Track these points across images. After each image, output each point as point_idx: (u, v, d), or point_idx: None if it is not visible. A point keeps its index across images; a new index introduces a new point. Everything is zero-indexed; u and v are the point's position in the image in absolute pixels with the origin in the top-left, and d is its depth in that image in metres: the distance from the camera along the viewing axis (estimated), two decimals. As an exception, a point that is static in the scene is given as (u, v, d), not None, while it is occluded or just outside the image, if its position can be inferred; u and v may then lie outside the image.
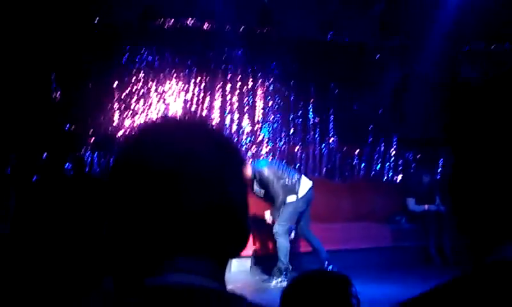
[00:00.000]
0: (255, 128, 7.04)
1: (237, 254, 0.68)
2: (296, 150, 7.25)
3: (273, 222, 5.04)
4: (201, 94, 6.79)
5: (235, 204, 0.67)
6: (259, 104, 7.12)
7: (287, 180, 5.00)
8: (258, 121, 7.06)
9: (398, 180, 7.51)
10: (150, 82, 6.52)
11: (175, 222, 0.63)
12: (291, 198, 4.99)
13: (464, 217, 0.64)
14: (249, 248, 5.71)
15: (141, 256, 0.63)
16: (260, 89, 7.10)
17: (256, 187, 5.02)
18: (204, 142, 0.67)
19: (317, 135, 7.32)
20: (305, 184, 5.13)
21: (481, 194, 0.61)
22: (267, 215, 5.09)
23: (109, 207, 0.67)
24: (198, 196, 0.64)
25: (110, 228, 0.66)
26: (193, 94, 6.75)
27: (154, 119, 0.72)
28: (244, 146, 6.94)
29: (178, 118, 0.70)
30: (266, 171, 5.02)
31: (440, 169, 7.62)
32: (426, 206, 6.33)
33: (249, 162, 5.11)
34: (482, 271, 0.61)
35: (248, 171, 4.93)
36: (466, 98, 0.65)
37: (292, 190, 5.01)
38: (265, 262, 5.44)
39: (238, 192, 0.68)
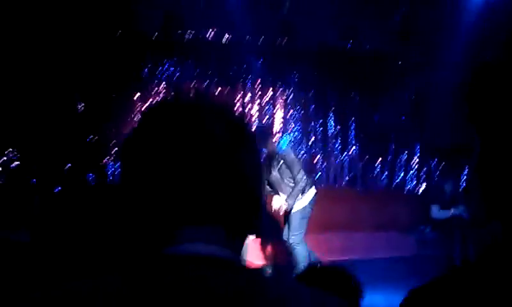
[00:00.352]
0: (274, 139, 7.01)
1: (250, 225, 0.68)
2: (316, 160, 7.21)
3: (286, 212, 4.95)
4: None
5: (247, 175, 0.67)
6: (279, 114, 7.12)
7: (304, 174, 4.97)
8: (278, 131, 7.06)
9: (421, 189, 7.41)
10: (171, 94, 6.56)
11: (188, 192, 0.63)
12: (298, 205, 4.95)
13: (492, 200, 0.64)
14: (263, 259, 5.69)
15: (156, 227, 0.64)
16: (280, 99, 7.10)
17: (274, 171, 4.94)
18: (216, 116, 0.68)
19: (338, 145, 7.28)
20: (313, 189, 5.11)
21: (507, 176, 0.61)
22: (277, 204, 4.96)
23: (123, 180, 0.67)
24: (210, 167, 0.64)
25: (125, 200, 0.66)
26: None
27: (167, 98, 0.73)
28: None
29: (190, 96, 0.71)
30: (292, 154, 4.97)
31: (464, 177, 7.48)
32: (452, 211, 6.25)
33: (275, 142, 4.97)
34: (498, 254, 0.61)
35: (271, 149, 4.87)
36: (489, 79, 0.65)
37: (305, 188, 4.96)
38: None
39: (250, 163, 0.68)
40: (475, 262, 0.62)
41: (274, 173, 4.93)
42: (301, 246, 4.97)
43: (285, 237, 5.01)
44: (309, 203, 5.00)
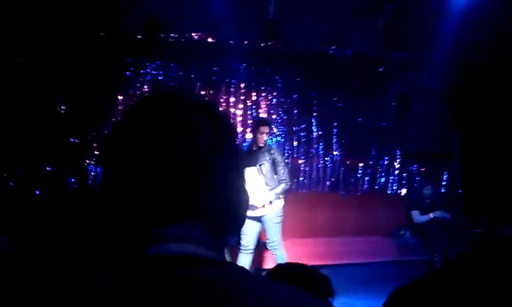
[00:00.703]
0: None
1: (234, 226, 0.67)
2: (299, 163, 7.23)
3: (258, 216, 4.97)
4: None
5: (229, 173, 0.66)
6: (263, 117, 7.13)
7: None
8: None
9: (402, 193, 7.48)
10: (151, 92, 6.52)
11: (168, 190, 0.62)
12: (276, 206, 4.96)
13: (473, 194, 0.64)
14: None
15: (137, 226, 0.63)
16: (263, 102, 7.11)
17: (263, 165, 5.00)
18: (197, 111, 0.67)
19: (320, 148, 7.31)
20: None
21: (489, 170, 0.61)
22: (261, 202, 4.94)
23: (103, 178, 0.66)
24: (190, 163, 0.63)
25: (105, 199, 0.65)
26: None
27: (147, 96, 0.72)
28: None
29: (172, 91, 0.71)
30: (280, 153, 5.22)
31: (444, 182, 7.58)
32: (431, 215, 6.32)
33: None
34: (485, 248, 0.61)
35: (264, 142, 5.04)
36: (472, 77, 0.66)
37: (287, 190, 5.15)
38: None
39: (231, 160, 0.68)
40: (462, 258, 0.63)
41: (263, 167, 4.98)
42: (283, 249, 4.99)
43: (274, 243, 5.01)
44: (282, 207, 5.07)
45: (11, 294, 0.58)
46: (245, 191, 0.69)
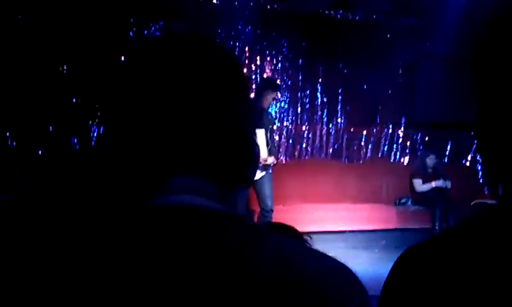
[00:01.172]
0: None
1: (241, 177, 0.63)
2: (303, 130, 7.20)
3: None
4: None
5: (241, 122, 0.62)
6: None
7: None
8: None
9: (405, 162, 7.47)
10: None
11: (176, 137, 0.58)
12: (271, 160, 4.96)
13: (492, 163, 0.62)
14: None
15: (141, 177, 0.59)
16: (268, 67, 7.02)
17: (271, 131, 5.03)
18: (214, 56, 0.63)
19: (324, 115, 7.26)
20: None
21: (507, 134, 0.59)
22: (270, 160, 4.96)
23: (107, 123, 0.63)
24: (201, 109, 0.59)
25: (109, 146, 0.62)
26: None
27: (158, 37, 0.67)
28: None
29: (183, 34, 0.65)
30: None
31: (447, 151, 7.56)
32: (433, 184, 6.32)
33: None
34: (494, 213, 0.60)
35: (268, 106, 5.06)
36: (489, 34, 0.62)
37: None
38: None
39: (244, 109, 0.63)
40: (474, 220, 0.61)
41: (269, 131, 4.97)
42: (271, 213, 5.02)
43: (264, 205, 5.00)
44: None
45: None
46: (257, 144, 0.66)
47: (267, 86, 5.03)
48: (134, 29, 6.36)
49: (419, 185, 6.44)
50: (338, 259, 0.59)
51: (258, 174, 4.92)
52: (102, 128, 6.06)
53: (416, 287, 0.60)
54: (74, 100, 5.95)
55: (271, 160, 4.91)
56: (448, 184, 6.39)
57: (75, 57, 5.93)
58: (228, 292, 0.51)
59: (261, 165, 4.78)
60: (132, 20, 6.32)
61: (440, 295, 0.57)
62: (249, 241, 0.56)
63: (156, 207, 0.58)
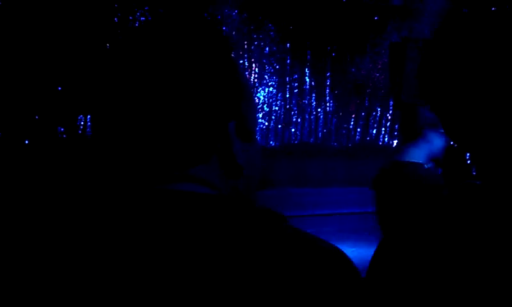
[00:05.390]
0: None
1: (234, 165, 0.61)
2: (292, 114, 7.19)
3: None
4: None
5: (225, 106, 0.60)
6: (255, 67, 7.02)
7: None
8: (254, 84, 6.97)
9: (394, 145, 7.51)
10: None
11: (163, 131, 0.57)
12: None
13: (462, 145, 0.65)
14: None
15: (133, 168, 0.58)
16: (255, 51, 6.98)
17: None
18: (196, 39, 0.60)
19: (313, 99, 7.25)
20: None
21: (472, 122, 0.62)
22: None
23: (96, 114, 0.61)
24: (186, 101, 0.57)
25: (100, 137, 0.60)
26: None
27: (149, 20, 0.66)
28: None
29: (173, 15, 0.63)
30: None
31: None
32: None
33: None
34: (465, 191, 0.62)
35: None
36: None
37: None
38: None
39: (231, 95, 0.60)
40: (452, 199, 0.63)
41: None
42: None
43: None
44: None
45: None
46: (254, 133, 0.64)
47: None
48: (119, 14, 6.27)
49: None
50: (328, 242, 0.58)
51: None
52: (89, 117, 6.01)
53: (398, 267, 0.61)
54: (60, 89, 5.87)
55: None
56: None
57: (58, 45, 5.85)
58: (212, 274, 0.51)
59: None
60: (116, 6, 6.23)
61: (422, 274, 0.58)
62: (238, 225, 0.54)
63: (153, 191, 0.57)
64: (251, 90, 0.65)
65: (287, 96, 7.16)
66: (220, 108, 0.58)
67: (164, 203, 0.55)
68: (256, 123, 0.65)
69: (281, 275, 0.51)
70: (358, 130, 7.43)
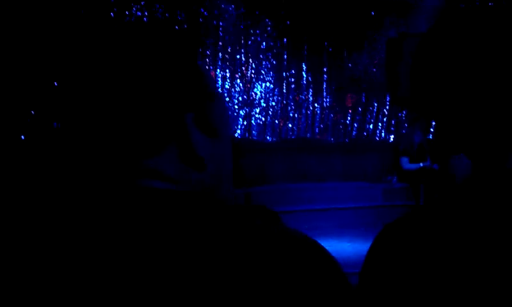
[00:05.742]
0: (248, 86, 6.95)
1: (195, 159, 0.61)
2: (288, 109, 7.19)
3: None
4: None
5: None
6: (252, 62, 7.01)
7: None
8: (251, 79, 6.96)
9: (391, 140, 7.51)
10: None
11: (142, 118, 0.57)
12: None
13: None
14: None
15: (111, 162, 0.59)
16: (252, 46, 6.97)
17: None
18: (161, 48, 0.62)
19: (310, 94, 7.25)
20: None
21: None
22: None
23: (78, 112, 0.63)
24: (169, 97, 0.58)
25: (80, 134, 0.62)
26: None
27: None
28: (237, 106, 6.86)
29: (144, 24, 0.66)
30: None
31: (432, 129, 7.61)
32: (421, 164, 6.37)
33: None
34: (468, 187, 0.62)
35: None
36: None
37: None
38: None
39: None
40: (448, 196, 0.63)
41: None
42: None
43: None
44: None
45: None
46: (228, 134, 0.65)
47: None
48: (115, 9, 6.24)
49: (406, 163, 6.48)
50: (308, 236, 0.58)
51: None
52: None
53: (393, 262, 0.60)
54: (56, 84, 5.85)
55: None
56: (435, 165, 6.44)
57: (54, 40, 5.82)
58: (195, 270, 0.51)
59: None
60: (112, 1, 6.20)
61: (417, 270, 0.58)
62: (214, 220, 0.55)
63: (128, 190, 0.57)
64: (215, 86, 0.66)
65: (284, 91, 7.15)
66: (171, 98, 0.58)
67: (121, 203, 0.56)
68: (224, 121, 0.64)
69: (249, 271, 0.50)
70: (355, 125, 7.43)
